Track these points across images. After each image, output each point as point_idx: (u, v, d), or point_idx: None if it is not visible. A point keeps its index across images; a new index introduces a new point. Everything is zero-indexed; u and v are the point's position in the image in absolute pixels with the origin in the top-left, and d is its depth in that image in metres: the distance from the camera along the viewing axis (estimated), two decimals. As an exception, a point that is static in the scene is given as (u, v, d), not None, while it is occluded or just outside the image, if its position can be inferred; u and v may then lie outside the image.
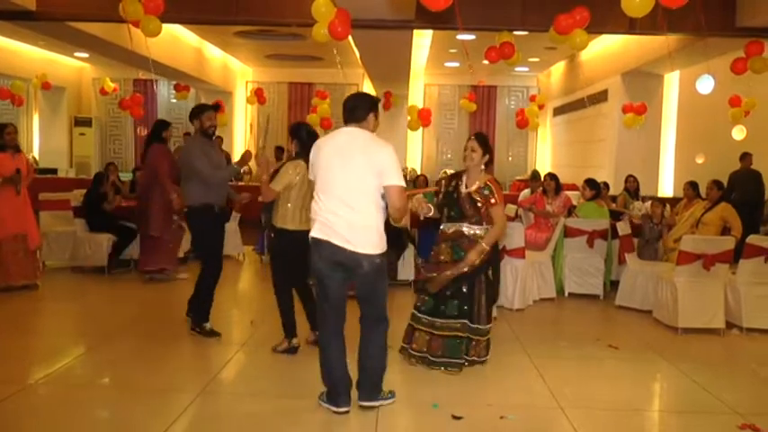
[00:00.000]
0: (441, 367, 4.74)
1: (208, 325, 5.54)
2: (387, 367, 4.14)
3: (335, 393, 4.02)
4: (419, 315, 4.89)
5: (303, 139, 4.99)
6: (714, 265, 6.03)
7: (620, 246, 7.56)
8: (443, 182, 5.09)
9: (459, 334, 4.73)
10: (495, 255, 4.84)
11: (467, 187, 4.80)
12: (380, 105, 4.22)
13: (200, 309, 5.57)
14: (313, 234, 3.94)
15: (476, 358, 4.85)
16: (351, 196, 3.84)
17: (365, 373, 4.06)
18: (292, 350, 5.12)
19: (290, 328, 5.14)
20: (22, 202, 7.02)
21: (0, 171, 6.75)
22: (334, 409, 4.00)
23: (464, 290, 4.73)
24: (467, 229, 4.75)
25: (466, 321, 4.74)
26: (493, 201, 4.69)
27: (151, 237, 7.59)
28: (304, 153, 4.71)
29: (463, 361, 4.77)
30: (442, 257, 4.79)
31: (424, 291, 4.91)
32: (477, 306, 4.77)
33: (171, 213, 7.52)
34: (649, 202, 8.95)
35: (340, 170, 3.86)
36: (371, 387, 4.07)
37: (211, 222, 5.59)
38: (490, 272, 4.80)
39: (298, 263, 4.83)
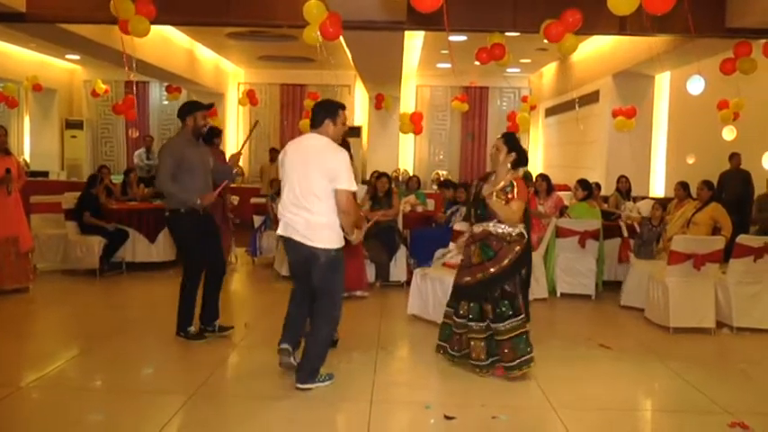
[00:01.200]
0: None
1: (192, 329, 5.48)
2: (326, 357, 4.51)
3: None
4: (458, 320, 4.86)
5: None
6: (705, 265, 6.07)
7: (623, 246, 7.59)
8: (474, 182, 5.09)
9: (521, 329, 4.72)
10: (527, 254, 4.82)
11: (493, 186, 4.76)
12: (341, 111, 4.50)
13: (180, 312, 5.49)
14: (278, 232, 4.46)
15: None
16: (307, 198, 4.27)
17: (306, 358, 4.43)
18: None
19: None
20: (13, 205, 6.98)
21: (-12, 173, 6.73)
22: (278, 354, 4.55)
23: (507, 288, 4.70)
24: (494, 227, 4.72)
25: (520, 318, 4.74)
26: (510, 196, 4.66)
27: None
28: None
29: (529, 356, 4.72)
30: (474, 260, 4.78)
31: (459, 297, 4.87)
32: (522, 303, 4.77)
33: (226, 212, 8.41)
34: (642, 202, 9.01)
35: (298, 173, 4.31)
36: (309, 372, 4.40)
37: (195, 226, 5.41)
38: (524, 271, 4.80)
39: None
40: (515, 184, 4.69)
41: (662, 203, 7.97)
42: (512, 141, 4.84)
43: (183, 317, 5.48)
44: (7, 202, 6.89)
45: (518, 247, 4.69)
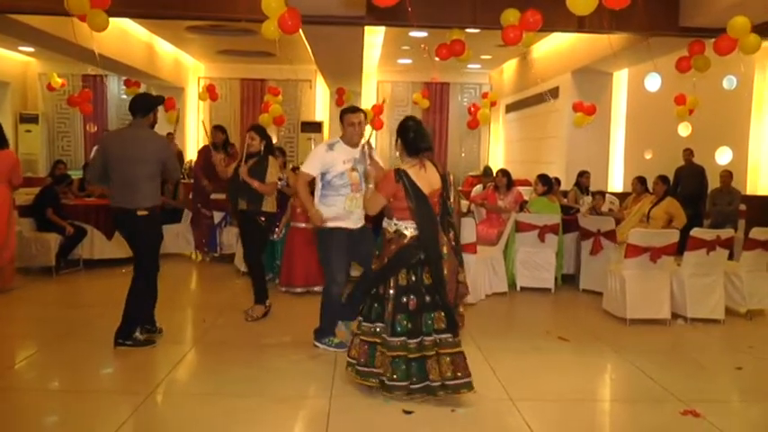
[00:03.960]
0: (357, 377, 4.28)
1: (138, 335, 5.23)
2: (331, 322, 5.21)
3: None
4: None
5: (269, 138, 6.16)
6: (661, 258, 6.21)
7: (595, 239, 7.70)
8: None
9: (378, 340, 4.25)
10: (402, 257, 4.18)
11: None
12: (344, 116, 5.10)
13: (132, 319, 5.18)
14: (342, 225, 5.00)
15: (383, 378, 4.16)
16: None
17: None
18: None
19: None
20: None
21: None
22: None
23: (380, 291, 4.27)
24: (384, 222, 4.38)
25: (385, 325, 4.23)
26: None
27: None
28: (270, 151, 6.09)
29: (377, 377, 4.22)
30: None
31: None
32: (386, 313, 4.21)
33: (194, 204, 9.08)
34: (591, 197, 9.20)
35: None
36: (315, 331, 5.27)
37: (159, 224, 5.36)
38: (401, 276, 4.17)
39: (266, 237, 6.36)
40: (384, 176, 4.35)
41: (603, 194, 8.46)
42: (399, 128, 4.40)
43: (133, 322, 5.21)
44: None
45: (393, 246, 4.21)
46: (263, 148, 6.02)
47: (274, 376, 4.60)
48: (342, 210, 4.99)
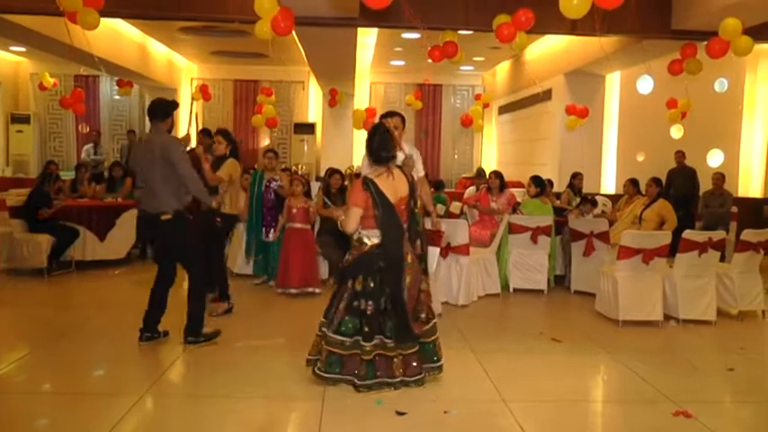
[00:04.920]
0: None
1: (207, 329, 5.30)
2: None
3: None
4: None
5: (234, 142, 6.38)
6: (653, 260, 6.22)
7: (587, 240, 7.73)
8: None
9: (319, 333, 4.51)
10: (361, 264, 4.31)
11: None
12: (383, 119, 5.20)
13: (197, 319, 5.26)
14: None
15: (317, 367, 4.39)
16: None
17: None
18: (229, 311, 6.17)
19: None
20: None
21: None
22: None
23: (337, 291, 4.45)
24: None
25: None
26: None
27: None
28: (233, 155, 6.23)
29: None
30: None
31: None
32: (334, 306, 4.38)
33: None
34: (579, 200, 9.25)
35: None
36: None
37: (186, 228, 5.28)
38: (359, 281, 4.28)
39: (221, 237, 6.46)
40: (352, 186, 4.36)
41: (592, 196, 8.56)
42: (367, 136, 4.45)
43: (197, 322, 5.28)
44: None
45: (354, 252, 4.34)
46: (228, 152, 6.21)
47: (267, 377, 4.59)
48: None
